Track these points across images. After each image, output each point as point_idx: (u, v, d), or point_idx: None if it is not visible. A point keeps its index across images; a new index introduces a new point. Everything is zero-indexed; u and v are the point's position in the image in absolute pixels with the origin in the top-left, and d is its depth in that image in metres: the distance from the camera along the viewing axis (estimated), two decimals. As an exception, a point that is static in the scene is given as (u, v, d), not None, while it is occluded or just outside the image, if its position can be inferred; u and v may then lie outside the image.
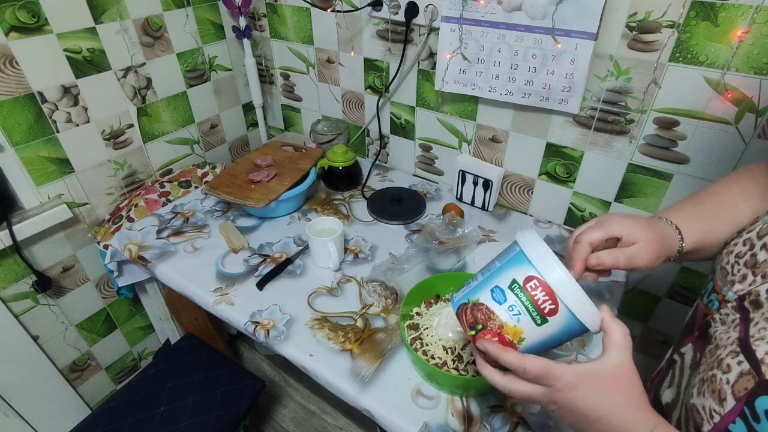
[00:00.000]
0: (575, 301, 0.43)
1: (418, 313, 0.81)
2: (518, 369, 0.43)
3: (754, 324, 0.38)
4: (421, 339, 0.76)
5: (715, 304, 0.45)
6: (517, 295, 0.45)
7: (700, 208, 0.55)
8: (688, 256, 0.54)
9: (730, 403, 0.36)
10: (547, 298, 0.44)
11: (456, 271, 0.97)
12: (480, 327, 0.47)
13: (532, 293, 0.44)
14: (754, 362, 0.36)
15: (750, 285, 0.41)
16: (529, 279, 0.45)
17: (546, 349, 0.47)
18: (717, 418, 0.37)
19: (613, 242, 0.51)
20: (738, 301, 0.41)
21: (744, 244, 0.42)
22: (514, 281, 0.46)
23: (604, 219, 0.53)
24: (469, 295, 0.49)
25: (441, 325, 0.75)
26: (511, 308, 0.46)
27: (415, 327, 0.79)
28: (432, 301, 0.83)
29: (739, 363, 0.37)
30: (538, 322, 0.45)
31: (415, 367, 0.76)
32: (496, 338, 0.46)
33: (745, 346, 0.37)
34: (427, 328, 0.77)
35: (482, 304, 0.47)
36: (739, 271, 0.42)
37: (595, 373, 0.42)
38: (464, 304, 0.49)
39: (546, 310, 0.44)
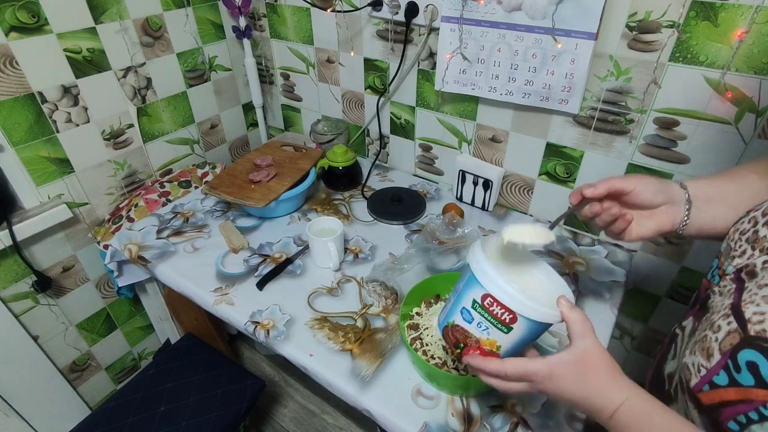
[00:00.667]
0: (525, 308, 0.49)
1: (418, 313, 0.81)
2: (500, 375, 0.50)
3: (748, 291, 0.40)
4: (421, 339, 0.76)
5: (716, 278, 0.47)
6: (480, 312, 0.51)
7: (716, 179, 0.57)
8: (704, 232, 0.55)
9: (716, 357, 0.39)
10: (503, 310, 0.49)
11: (456, 271, 0.97)
12: (462, 345, 0.54)
13: (491, 309, 0.50)
14: (742, 321, 0.38)
15: (748, 259, 0.43)
16: (485, 297, 0.50)
17: (526, 345, 0.52)
18: (704, 372, 0.40)
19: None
20: (736, 273, 0.44)
21: (749, 222, 0.44)
22: (474, 301, 0.52)
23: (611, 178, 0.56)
24: (447, 318, 0.56)
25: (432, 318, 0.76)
26: (479, 325, 0.52)
27: (415, 327, 0.79)
28: (432, 301, 0.83)
29: (729, 323, 0.39)
30: (505, 330, 0.51)
31: (415, 366, 0.76)
32: (478, 351, 0.52)
33: (736, 309, 0.40)
34: (427, 328, 0.77)
35: (458, 326, 0.54)
36: (740, 246, 0.44)
37: (562, 362, 0.47)
38: (446, 326, 0.56)
39: (507, 320, 0.50)
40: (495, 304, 0.49)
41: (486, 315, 0.51)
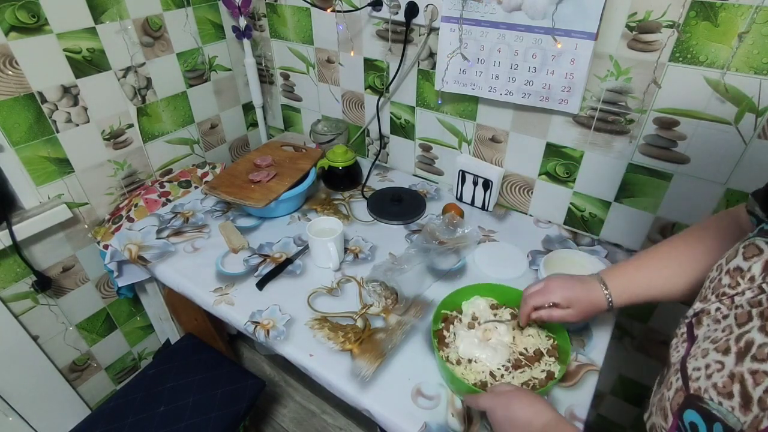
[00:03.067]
0: None
1: (444, 329, 0.80)
2: (473, 405, 0.66)
3: (696, 343, 0.40)
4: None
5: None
6: None
7: (634, 270, 0.68)
8: (635, 304, 0.68)
9: (670, 419, 0.39)
10: None
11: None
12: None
13: None
14: (685, 378, 0.38)
15: (704, 305, 0.43)
16: None
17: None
18: None
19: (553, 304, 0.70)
20: (690, 318, 0.44)
21: (716, 270, 0.44)
22: None
23: (547, 286, 0.70)
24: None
25: (466, 349, 0.75)
26: None
27: (443, 340, 0.78)
28: (453, 316, 0.81)
29: (677, 380, 0.39)
30: None
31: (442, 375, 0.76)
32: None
33: (683, 364, 0.40)
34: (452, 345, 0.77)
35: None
36: (705, 293, 0.44)
37: (492, 411, 0.60)
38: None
39: None
40: None
41: None
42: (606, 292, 0.67)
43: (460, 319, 0.81)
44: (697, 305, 0.44)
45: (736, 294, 0.39)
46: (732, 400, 0.33)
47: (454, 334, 0.77)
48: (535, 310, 0.71)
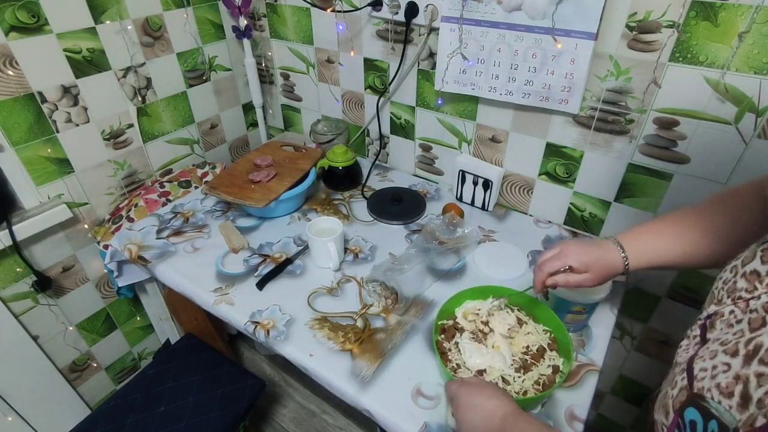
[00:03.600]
0: None
1: (445, 339, 0.78)
2: (448, 391, 0.64)
3: (706, 345, 0.40)
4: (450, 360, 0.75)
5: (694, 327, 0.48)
6: None
7: (654, 234, 0.66)
8: (653, 269, 0.66)
9: (671, 416, 0.39)
10: None
11: (456, 270, 0.97)
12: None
13: None
14: (691, 377, 0.38)
15: (720, 308, 0.42)
16: None
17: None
18: (665, 430, 0.40)
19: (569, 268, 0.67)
20: (703, 320, 0.44)
21: (731, 272, 0.43)
22: None
23: (563, 251, 0.68)
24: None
25: (468, 359, 0.74)
26: None
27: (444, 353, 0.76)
28: (451, 326, 0.80)
29: (683, 379, 0.39)
30: None
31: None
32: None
33: (689, 365, 0.40)
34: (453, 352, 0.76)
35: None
36: (720, 295, 0.44)
37: (457, 398, 0.60)
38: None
39: None
40: None
41: None
42: (623, 254, 0.65)
43: (462, 328, 0.78)
44: (711, 308, 0.43)
45: (752, 298, 0.38)
46: (731, 399, 0.33)
47: (459, 347, 0.75)
48: (551, 276, 0.68)
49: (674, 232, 0.63)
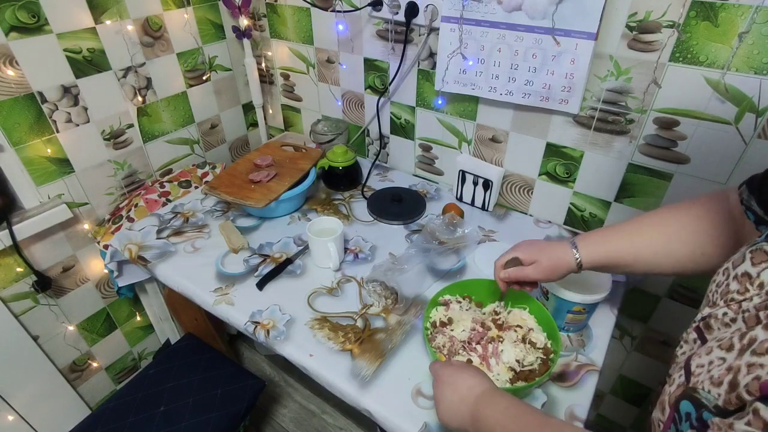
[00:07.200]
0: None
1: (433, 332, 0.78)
2: (431, 370, 0.65)
3: (706, 345, 0.40)
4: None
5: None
6: None
7: (611, 233, 0.67)
8: (607, 270, 0.69)
9: (667, 411, 0.39)
10: None
11: (455, 270, 0.97)
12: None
13: None
14: (688, 374, 0.39)
15: (712, 309, 0.43)
16: None
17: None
18: (661, 426, 0.40)
19: (518, 261, 0.71)
20: (698, 323, 0.44)
21: (723, 274, 0.44)
22: None
23: (514, 247, 0.73)
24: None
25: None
26: None
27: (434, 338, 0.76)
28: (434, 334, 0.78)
29: (680, 376, 0.40)
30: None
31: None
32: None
33: (687, 362, 0.40)
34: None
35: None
36: (714, 297, 0.45)
37: (439, 376, 0.61)
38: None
39: None
40: None
41: None
42: (575, 251, 0.67)
43: (451, 338, 0.76)
44: (706, 310, 0.44)
45: (744, 300, 0.39)
46: (720, 387, 0.34)
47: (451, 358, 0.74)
48: (504, 270, 0.73)
49: (635, 230, 0.65)
